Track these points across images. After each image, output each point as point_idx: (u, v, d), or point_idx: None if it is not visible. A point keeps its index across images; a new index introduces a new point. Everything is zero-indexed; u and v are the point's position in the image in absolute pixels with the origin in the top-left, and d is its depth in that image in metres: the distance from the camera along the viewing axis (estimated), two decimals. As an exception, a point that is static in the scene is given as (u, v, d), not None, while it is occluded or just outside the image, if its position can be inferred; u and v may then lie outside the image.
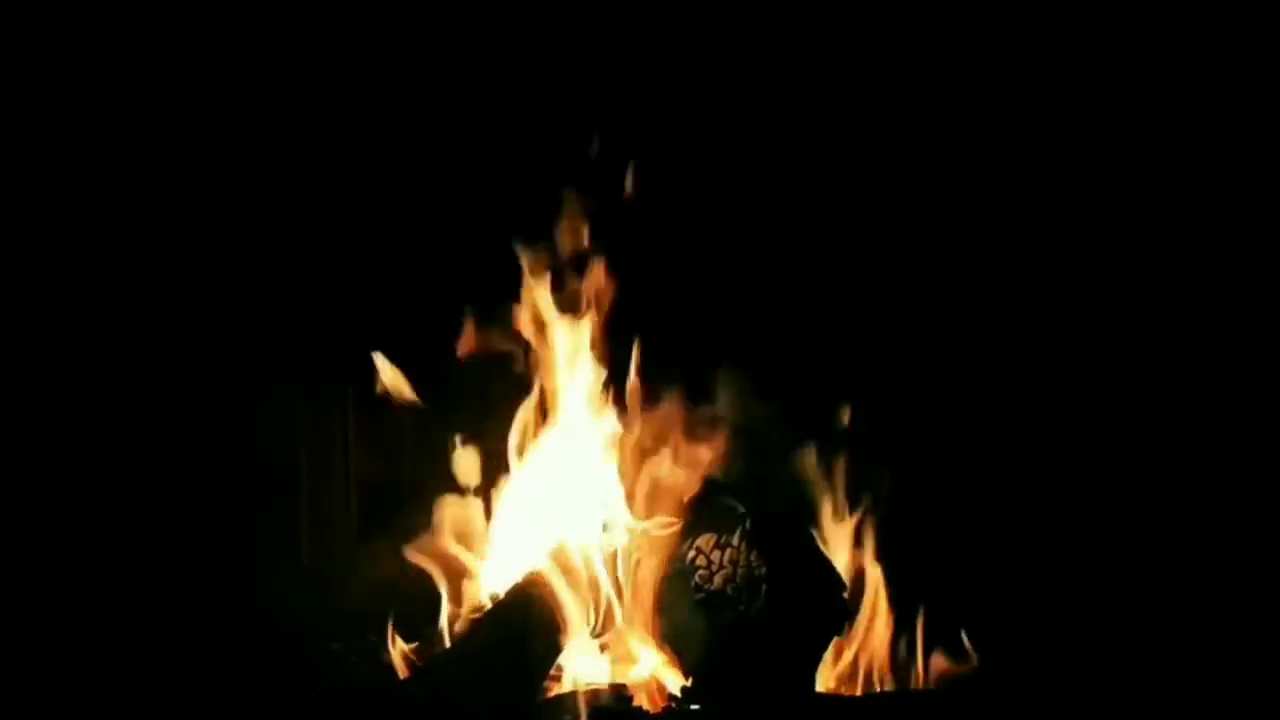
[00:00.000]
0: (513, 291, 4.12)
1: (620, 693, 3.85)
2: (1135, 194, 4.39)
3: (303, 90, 4.37)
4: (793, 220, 4.45)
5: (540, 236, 4.15)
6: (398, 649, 3.98)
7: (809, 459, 4.05)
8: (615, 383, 4.11)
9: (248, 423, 4.38)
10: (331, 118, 4.38)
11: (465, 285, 4.25)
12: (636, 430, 4.09)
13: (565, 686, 3.90)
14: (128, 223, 4.34)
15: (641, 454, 4.08)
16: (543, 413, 4.12)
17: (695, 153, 4.41)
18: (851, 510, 4.06)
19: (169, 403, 4.33)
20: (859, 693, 3.99)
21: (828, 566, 3.94)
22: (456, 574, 4.06)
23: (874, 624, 4.03)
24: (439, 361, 4.32)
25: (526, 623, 3.87)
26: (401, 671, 3.97)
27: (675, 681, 3.89)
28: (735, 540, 3.88)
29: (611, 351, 4.12)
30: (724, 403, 4.11)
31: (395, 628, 3.99)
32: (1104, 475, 4.37)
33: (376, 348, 4.22)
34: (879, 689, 4.00)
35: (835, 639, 3.91)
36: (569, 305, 4.13)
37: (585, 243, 4.16)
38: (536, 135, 4.37)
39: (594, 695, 3.83)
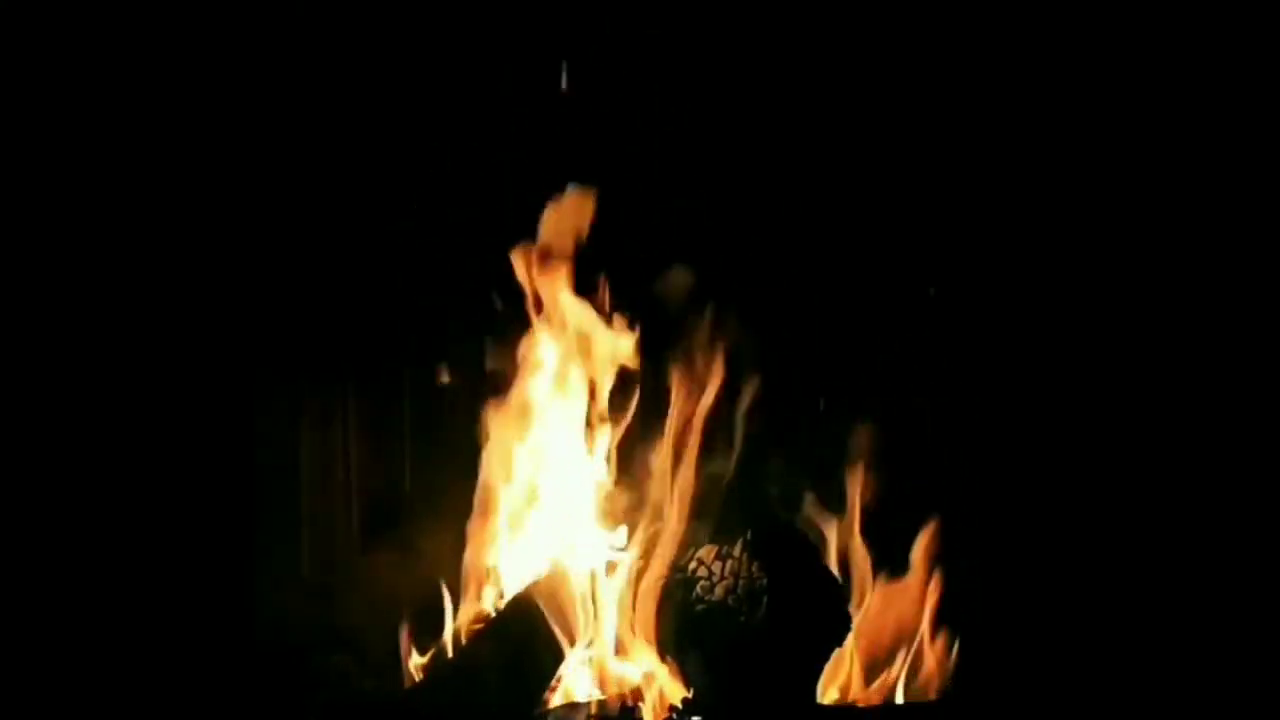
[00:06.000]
0: (512, 298, 4.12)
1: (621, 704, 3.85)
2: (1139, 205, 4.39)
3: (305, 94, 4.38)
4: (798, 227, 4.45)
5: (538, 239, 4.16)
6: (411, 660, 4.00)
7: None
8: (620, 389, 4.11)
9: (248, 432, 4.38)
10: (334, 124, 4.38)
11: (465, 291, 4.26)
12: (641, 441, 4.09)
13: (565, 697, 3.89)
14: (128, 229, 4.34)
15: (645, 463, 4.07)
16: (545, 420, 4.12)
17: (697, 149, 4.42)
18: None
19: (168, 412, 4.33)
20: (861, 703, 3.98)
21: (829, 577, 3.93)
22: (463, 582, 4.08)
23: (877, 634, 4.03)
24: (437, 366, 4.34)
25: (527, 634, 3.87)
26: (406, 683, 3.97)
27: (676, 692, 3.88)
28: (736, 551, 3.88)
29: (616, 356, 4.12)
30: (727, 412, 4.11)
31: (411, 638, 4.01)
32: (1106, 484, 4.36)
33: (377, 356, 4.22)
34: (882, 699, 4.00)
35: (836, 650, 3.90)
36: (575, 311, 4.13)
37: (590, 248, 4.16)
38: (536, 142, 4.37)
39: (595, 706, 3.83)
